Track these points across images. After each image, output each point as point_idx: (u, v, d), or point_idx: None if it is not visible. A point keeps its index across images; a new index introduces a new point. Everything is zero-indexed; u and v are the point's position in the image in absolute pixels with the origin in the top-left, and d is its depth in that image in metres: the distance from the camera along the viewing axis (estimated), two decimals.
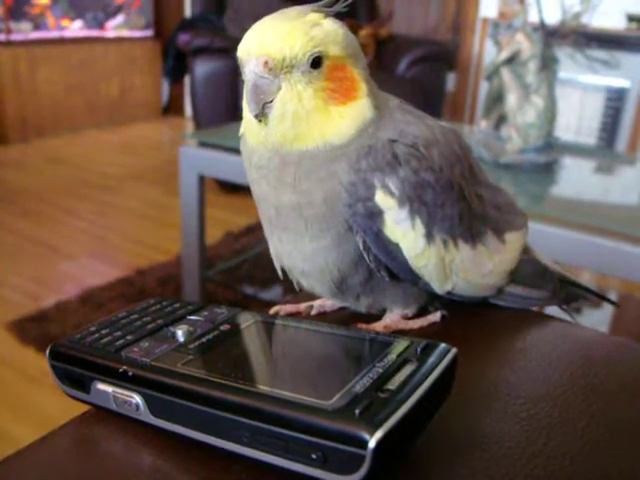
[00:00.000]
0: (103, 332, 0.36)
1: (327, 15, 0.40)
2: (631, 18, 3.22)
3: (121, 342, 0.35)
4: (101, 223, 2.69)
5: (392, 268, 0.42)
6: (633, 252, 1.19)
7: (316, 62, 0.38)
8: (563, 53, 1.75)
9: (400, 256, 0.42)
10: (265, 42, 0.38)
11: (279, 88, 0.38)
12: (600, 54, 1.80)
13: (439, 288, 0.45)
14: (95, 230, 2.61)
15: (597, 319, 2.03)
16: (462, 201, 0.43)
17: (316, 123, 0.39)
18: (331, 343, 0.36)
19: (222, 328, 0.36)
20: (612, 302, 0.59)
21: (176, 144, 1.91)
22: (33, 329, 1.83)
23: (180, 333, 0.36)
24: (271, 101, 0.38)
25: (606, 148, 3.32)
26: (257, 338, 0.37)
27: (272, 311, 0.48)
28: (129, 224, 2.69)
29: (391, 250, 0.41)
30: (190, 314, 0.38)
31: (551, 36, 1.73)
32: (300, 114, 0.39)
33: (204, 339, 0.35)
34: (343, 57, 0.39)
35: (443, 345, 0.32)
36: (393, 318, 0.46)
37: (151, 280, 2.15)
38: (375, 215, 0.40)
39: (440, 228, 0.42)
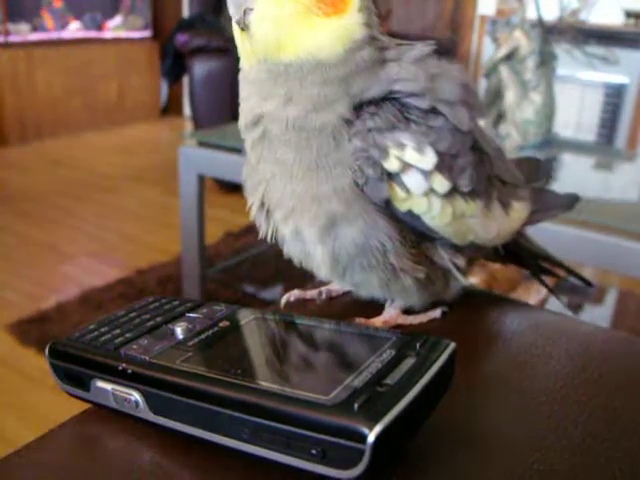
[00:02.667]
0: (102, 330, 0.36)
1: None
2: (629, 14, 3.22)
3: (120, 340, 0.35)
4: (101, 224, 2.69)
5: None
6: (633, 248, 1.19)
7: None
8: (561, 50, 1.76)
9: (419, 221, 0.40)
10: None
11: None
12: (598, 50, 1.80)
13: (459, 242, 0.43)
14: (95, 231, 2.61)
15: (598, 315, 2.04)
16: (476, 150, 0.42)
17: (298, 32, 0.37)
18: (330, 338, 0.36)
19: (221, 325, 0.36)
20: (588, 282, 0.57)
21: (175, 144, 1.91)
22: (33, 330, 1.83)
23: (179, 330, 0.35)
24: (252, 9, 0.37)
25: (605, 144, 3.32)
26: (256, 334, 0.37)
27: (283, 299, 0.48)
28: (129, 224, 2.69)
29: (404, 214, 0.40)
30: (189, 311, 0.38)
31: (549, 33, 1.73)
32: (280, 19, 0.37)
33: (203, 336, 0.35)
34: None
35: (442, 340, 0.32)
36: (392, 313, 0.45)
37: (151, 280, 2.15)
38: (385, 181, 0.39)
39: (458, 181, 0.41)
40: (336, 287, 0.49)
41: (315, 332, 0.36)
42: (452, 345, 0.32)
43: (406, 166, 0.39)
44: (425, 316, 0.46)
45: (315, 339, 0.36)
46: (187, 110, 4.28)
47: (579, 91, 3.36)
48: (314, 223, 0.41)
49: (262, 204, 0.44)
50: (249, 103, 0.41)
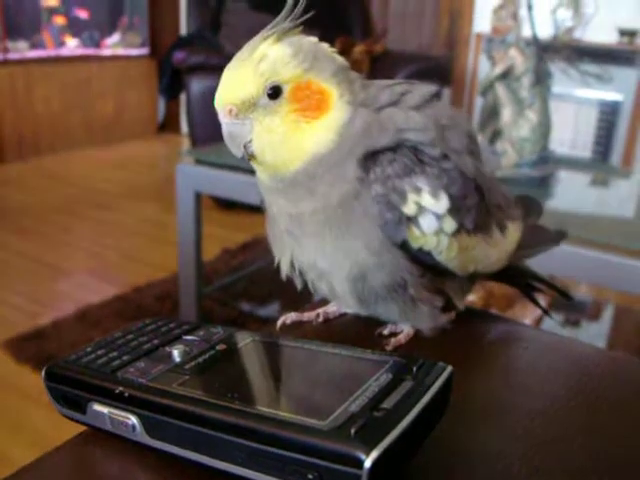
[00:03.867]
0: (99, 352, 0.36)
1: (282, 35, 0.41)
2: (623, 32, 3.24)
3: (117, 363, 0.35)
4: (98, 240, 2.69)
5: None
6: (629, 264, 1.20)
7: (276, 92, 0.40)
8: (556, 68, 1.77)
9: (429, 256, 0.43)
10: (224, 92, 0.41)
11: (253, 127, 0.41)
12: (593, 68, 1.82)
13: (461, 273, 0.46)
14: (92, 247, 2.61)
15: (595, 332, 2.04)
16: (478, 192, 0.45)
17: (296, 144, 0.41)
18: (327, 362, 0.36)
19: (218, 348, 0.36)
20: (567, 296, 0.59)
21: (172, 161, 1.92)
22: (29, 347, 1.82)
23: (176, 353, 0.36)
24: (250, 140, 0.41)
25: (601, 161, 3.34)
26: (253, 358, 0.37)
27: (279, 322, 0.49)
28: (126, 241, 2.69)
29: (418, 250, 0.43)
30: (186, 334, 0.38)
31: (544, 51, 1.74)
32: (277, 143, 0.41)
33: (200, 359, 0.35)
34: (301, 75, 0.41)
35: (439, 363, 0.32)
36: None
37: (148, 297, 2.14)
38: (402, 224, 0.42)
39: (467, 219, 0.44)
40: (333, 309, 0.50)
41: (312, 355, 0.36)
42: (449, 368, 0.32)
43: (422, 209, 0.42)
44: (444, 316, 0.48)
45: (312, 362, 0.36)
46: (184, 127, 4.29)
47: (574, 109, 3.38)
48: (347, 277, 0.44)
49: (292, 265, 0.47)
50: (277, 204, 0.44)
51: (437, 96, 0.45)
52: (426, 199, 0.42)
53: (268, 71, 0.40)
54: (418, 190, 0.41)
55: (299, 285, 0.48)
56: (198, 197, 1.73)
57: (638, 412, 0.40)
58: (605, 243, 1.27)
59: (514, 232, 0.50)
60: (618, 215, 1.66)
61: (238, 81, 0.40)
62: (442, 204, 0.42)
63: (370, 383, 0.31)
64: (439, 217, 0.42)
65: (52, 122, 4.02)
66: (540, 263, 0.56)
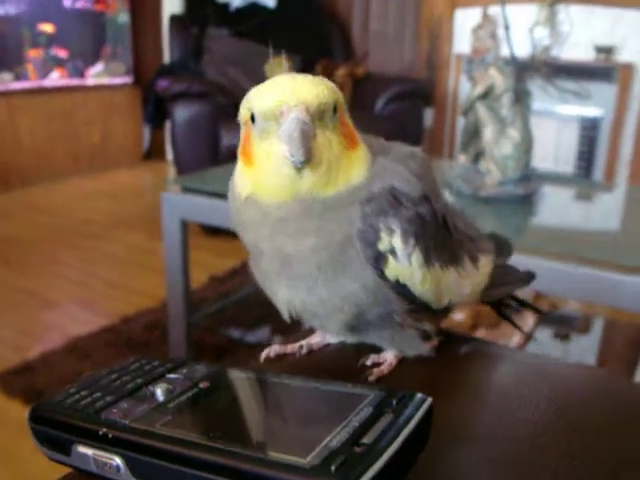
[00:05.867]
0: (83, 393, 0.36)
1: None
2: (599, 49, 3.30)
3: (100, 403, 0.35)
4: (86, 270, 2.68)
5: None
6: (615, 279, 1.20)
7: (334, 110, 0.40)
8: (535, 85, 1.79)
9: (405, 288, 0.44)
10: (300, 91, 0.39)
11: (315, 135, 0.39)
12: (571, 85, 1.84)
13: (436, 305, 0.47)
14: (80, 277, 2.60)
15: (585, 345, 2.04)
16: (446, 230, 0.47)
17: (342, 168, 0.41)
18: (308, 398, 0.36)
19: (201, 386, 0.36)
20: (538, 310, 0.61)
21: (158, 189, 1.92)
22: (18, 381, 1.80)
23: (159, 392, 0.36)
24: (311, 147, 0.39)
25: (584, 176, 3.37)
26: (235, 395, 0.37)
27: (263, 355, 0.49)
28: (114, 270, 2.68)
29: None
30: (169, 372, 0.38)
31: (523, 70, 1.77)
32: (332, 160, 0.40)
33: (183, 398, 0.35)
34: (342, 105, 0.42)
35: (419, 395, 0.33)
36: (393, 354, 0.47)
37: (137, 327, 2.13)
38: (381, 258, 0.43)
39: (434, 256, 0.45)
40: (317, 339, 0.50)
41: (294, 391, 0.36)
42: (429, 400, 0.32)
43: (394, 248, 0.43)
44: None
45: (293, 399, 0.36)
46: (169, 155, 4.30)
47: (556, 125, 3.41)
48: (345, 317, 0.44)
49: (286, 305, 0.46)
50: (273, 241, 0.43)
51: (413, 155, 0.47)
52: (396, 241, 0.43)
53: (334, 88, 0.40)
54: (391, 231, 0.42)
55: (304, 324, 0.48)
56: (184, 225, 1.73)
57: (622, 432, 0.40)
58: (591, 258, 1.28)
59: (486, 264, 0.52)
60: (603, 229, 1.67)
61: (316, 86, 0.39)
62: (410, 247, 0.43)
63: (351, 418, 0.31)
64: (409, 255, 0.43)
65: (37, 153, 4.02)
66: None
